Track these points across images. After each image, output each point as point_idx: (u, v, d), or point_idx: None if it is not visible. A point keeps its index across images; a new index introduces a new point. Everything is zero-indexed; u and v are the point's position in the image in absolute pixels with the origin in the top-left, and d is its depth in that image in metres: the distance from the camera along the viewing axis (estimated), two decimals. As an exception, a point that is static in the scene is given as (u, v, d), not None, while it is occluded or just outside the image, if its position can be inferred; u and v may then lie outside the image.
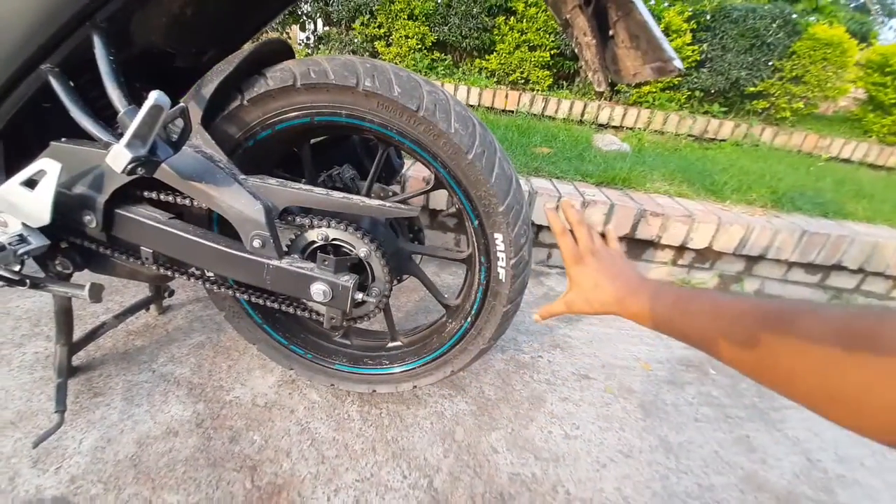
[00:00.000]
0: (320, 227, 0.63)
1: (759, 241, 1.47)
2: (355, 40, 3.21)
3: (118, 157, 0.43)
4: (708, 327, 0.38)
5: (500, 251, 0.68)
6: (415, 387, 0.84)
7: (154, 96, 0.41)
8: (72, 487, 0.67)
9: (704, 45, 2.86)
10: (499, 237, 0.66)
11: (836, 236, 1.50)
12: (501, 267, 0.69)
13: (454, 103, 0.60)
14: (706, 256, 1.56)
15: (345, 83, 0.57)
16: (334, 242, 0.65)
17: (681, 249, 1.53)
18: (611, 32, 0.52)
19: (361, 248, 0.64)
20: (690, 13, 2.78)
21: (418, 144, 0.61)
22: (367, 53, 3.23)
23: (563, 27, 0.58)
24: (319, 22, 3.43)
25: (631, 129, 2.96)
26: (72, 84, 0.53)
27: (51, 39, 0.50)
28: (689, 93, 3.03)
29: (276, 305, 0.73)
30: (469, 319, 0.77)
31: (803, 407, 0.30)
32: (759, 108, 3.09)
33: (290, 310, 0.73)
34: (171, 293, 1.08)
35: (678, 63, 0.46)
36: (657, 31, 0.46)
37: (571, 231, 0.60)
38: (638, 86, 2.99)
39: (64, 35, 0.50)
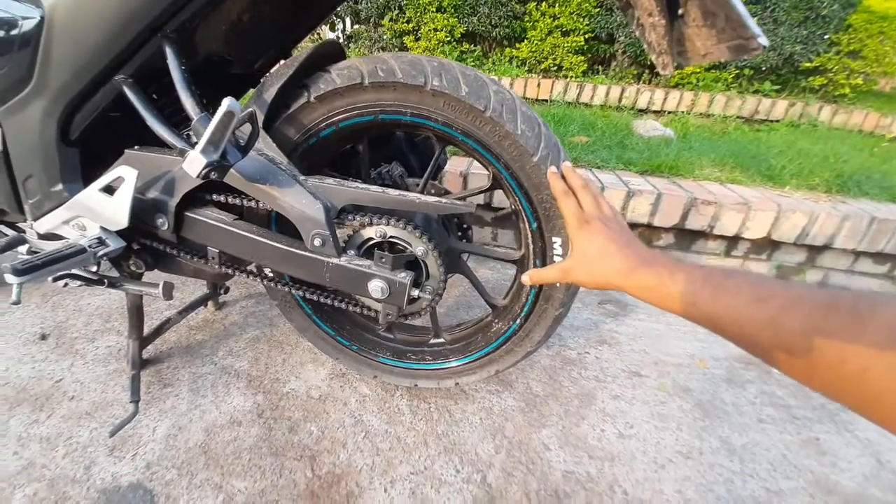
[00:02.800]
0: (379, 224, 0.63)
1: (823, 229, 1.36)
2: (384, 36, 3.22)
3: (194, 163, 0.45)
4: (749, 312, 0.32)
5: (558, 255, 0.67)
6: (457, 384, 0.85)
7: (227, 103, 0.43)
8: (147, 473, 0.71)
9: (755, 20, 2.66)
10: (557, 241, 0.66)
11: (909, 224, 1.37)
12: None
13: (520, 103, 0.59)
14: (762, 246, 1.47)
15: (413, 82, 0.57)
16: (390, 240, 0.65)
17: (734, 239, 1.45)
18: (680, 12, 0.49)
19: (418, 247, 0.64)
20: (739, -14, 2.60)
21: (481, 144, 0.61)
22: (397, 49, 3.23)
23: (622, 9, 0.55)
24: (348, 20, 3.46)
25: (673, 112, 2.81)
26: (147, 94, 0.55)
27: (124, 51, 0.53)
28: (737, 71, 2.84)
29: (329, 301, 0.74)
30: (518, 321, 0.76)
31: (870, 419, 0.26)
32: (816, 84, 2.86)
33: (344, 306, 0.74)
34: (227, 290, 1.13)
35: (763, 40, 0.42)
36: (740, 6, 0.42)
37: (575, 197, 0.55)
38: (682, 67, 2.83)
39: (137, 46, 0.52)
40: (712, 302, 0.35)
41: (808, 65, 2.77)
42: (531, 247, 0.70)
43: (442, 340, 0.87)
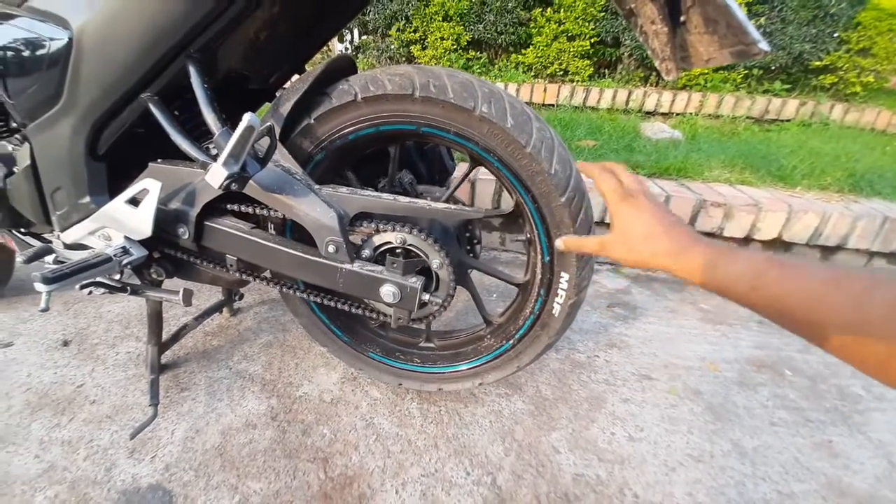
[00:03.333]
0: (400, 232, 0.65)
1: (836, 229, 1.35)
2: (392, 46, 3.27)
3: (216, 175, 0.47)
4: (826, 291, 0.29)
5: (563, 289, 0.70)
6: (440, 389, 0.87)
7: (247, 118, 0.45)
8: (166, 475, 0.74)
9: (762, 19, 2.66)
10: (565, 276, 0.69)
11: (926, 222, 1.35)
12: (559, 303, 0.72)
13: (558, 143, 0.61)
14: (774, 248, 1.45)
15: (463, 104, 0.59)
16: (407, 248, 0.67)
17: (745, 241, 1.44)
18: (682, 19, 0.50)
19: (435, 259, 0.66)
20: (745, -14, 2.59)
21: (515, 175, 0.63)
22: (404, 59, 3.28)
23: (626, 17, 0.56)
24: (356, 32, 3.52)
25: (681, 114, 2.80)
26: (171, 111, 0.58)
27: (151, 70, 0.56)
28: (746, 71, 2.83)
29: (339, 305, 0.76)
30: (511, 342, 0.79)
31: None
32: (827, 83, 2.83)
33: (356, 310, 0.76)
34: (241, 297, 1.16)
35: (764, 45, 0.43)
36: (740, 13, 0.44)
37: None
38: (687, 71, 2.82)
39: (163, 66, 0.55)
40: (780, 282, 0.32)
41: (817, 63, 2.75)
42: (538, 276, 0.73)
43: (432, 345, 0.89)
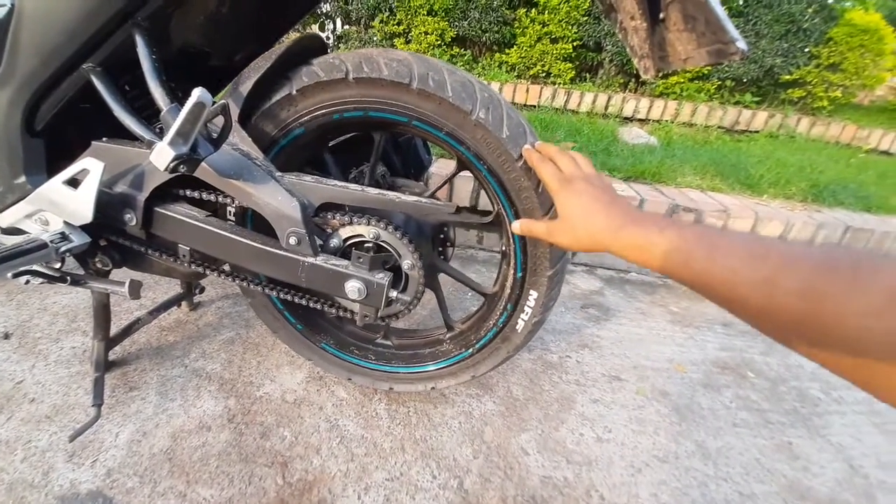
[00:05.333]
0: (374, 227, 0.62)
1: (799, 236, 1.40)
2: (374, 38, 3.21)
3: (161, 155, 0.43)
4: (744, 271, 0.30)
5: (530, 307, 0.70)
6: (391, 388, 0.85)
7: (197, 94, 0.41)
8: (108, 481, 0.68)
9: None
10: (534, 294, 0.69)
11: (880, 232, 1.42)
12: (524, 320, 0.72)
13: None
14: (741, 254, 1.50)
15: (460, 105, 0.56)
16: (378, 244, 0.64)
17: (714, 246, 1.48)
18: (661, 16, 0.49)
19: (406, 260, 0.64)
20: (721, -1, 2.67)
21: (501, 187, 0.62)
22: (387, 49, 3.22)
23: (605, 12, 0.55)
24: (338, 21, 3.44)
25: (657, 121, 2.86)
26: (114, 83, 0.53)
27: (92, 38, 0.51)
28: (720, 82, 2.92)
29: (304, 302, 0.72)
30: (470, 351, 0.78)
31: (863, 388, 0.26)
32: (795, 97, 2.96)
33: (320, 306, 0.73)
34: (202, 290, 1.10)
35: (742, 44, 0.42)
36: (720, 10, 0.43)
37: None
38: (665, 76, 2.89)
39: (106, 34, 0.50)
40: (705, 261, 0.33)
41: (787, 77, 2.86)
42: (507, 290, 0.73)
43: (389, 343, 0.87)
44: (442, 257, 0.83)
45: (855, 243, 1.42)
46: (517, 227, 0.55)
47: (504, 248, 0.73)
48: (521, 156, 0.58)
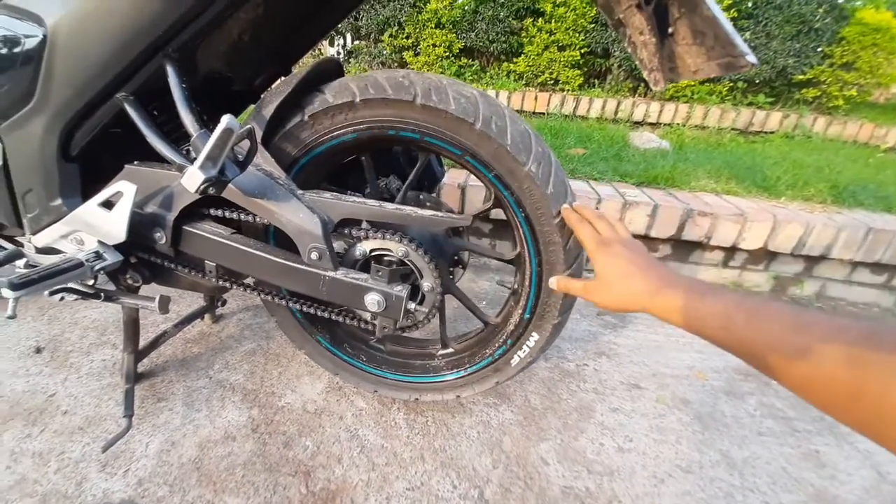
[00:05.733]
0: (406, 246, 0.64)
1: (819, 239, 1.37)
2: (384, 52, 3.27)
3: (193, 178, 0.45)
4: (787, 339, 0.31)
5: (529, 346, 0.74)
6: (376, 391, 0.87)
7: (225, 120, 0.43)
8: (139, 490, 0.70)
9: (747, 34, 2.72)
10: (536, 337, 0.73)
11: (906, 233, 1.38)
12: (520, 356, 0.76)
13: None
14: (759, 257, 1.47)
15: (516, 156, 0.59)
16: (405, 262, 0.66)
17: (731, 250, 1.46)
18: (670, 30, 0.50)
19: (427, 281, 0.66)
20: (731, 0, 2.66)
21: (532, 234, 0.65)
22: (396, 64, 3.28)
23: (614, 27, 0.56)
24: (348, 36, 3.52)
25: (669, 125, 2.85)
26: (147, 111, 0.56)
27: (126, 69, 0.54)
28: (731, 84, 2.89)
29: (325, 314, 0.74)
30: (461, 373, 0.81)
31: None
32: (810, 96, 2.90)
33: (340, 318, 0.74)
34: (224, 303, 1.13)
35: (752, 58, 0.43)
36: (728, 25, 0.43)
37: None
38: (675, 82, 2.87)
39: (139, 65, 0.53)
40: (746, 326, 0.34)
41: (801, 77, 2.82)
42: (510, 326, 0.77)
43: (382, 348, 0.88)
44: (451, 277, 0.85)
45: (877, 245, 1.38)
46: (554, 283, 0.59)
47: (516, 287, 0.77)
48: (559, 213, 0.61)
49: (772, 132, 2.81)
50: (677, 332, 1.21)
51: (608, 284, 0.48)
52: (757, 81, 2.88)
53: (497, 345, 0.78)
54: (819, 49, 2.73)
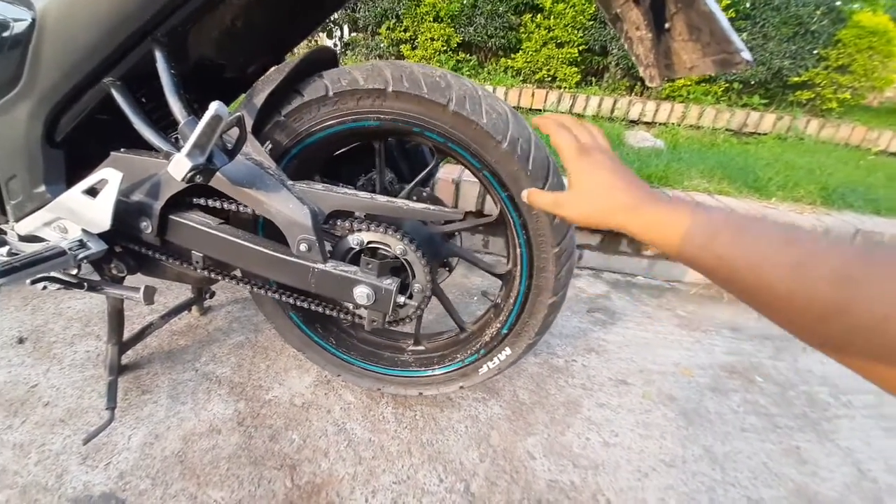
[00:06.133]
0: (403, 244, 0.63)
1: (807, 241, 1.38)
2: (381, 45, 3.24)
3: (179, 166, 0.44)
4: (773, 255, 0.29)
5: (500, 359, 0.77)
6: (339, 376, 0.88)
7: (214, 107, 0.42)
8: (120, 483, 0.70)
9: (744, 35, 2.73)
10: (508, 352, 0.76)
11: (891, 235, 1.40)
12: (488, 367, 0.79)
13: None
14: (748, 257, 1.49)
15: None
16: (402, 260, 0.66)
17: (721, 250, 1.47)
18: (666, 26, 0.50)
19: (418, 283, 0.66)
20: (729, 1, 2.66)
21: (528, 246, 0.67)
22: (393, 57, 3.25)
23: (611, 22, 0.56)
24: (346, 28, 3.48)
25: (664, 124, 2.85)
26: (135, 97, 0.55)
27: (114, 53, 0.53)
28: (727, 85, 2.90)
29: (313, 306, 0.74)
30: (428, 372, 0.83)
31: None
32: (804, 98, 2.93)
33: (329, 312, 0.74)
34: (212, 295, 1.12)
35: (747, 55, 0.43)
36: (724, 21, 0.43)
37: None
38: (671, 80, 2.88)
39: (126, 49, 0.52)
40: (731, 245, 0.31)
41: (796, 79, 2.84)
42: (486, 337, 0.79)
43: (353, 334, 0.89)
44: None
45: (865, 247, 1.40)
46: (525, 194, 0.50)
47: (499, 302, 0.78)
48: (559, 242, 0.65)
49: (765, 134, 2.83)
50: (665, 329, 1.23)
51: (586, 195, 0.42)
52: (752, 83, 2.89)
53: (469, 352, 0.80)
54: (815, 51, 2.75)
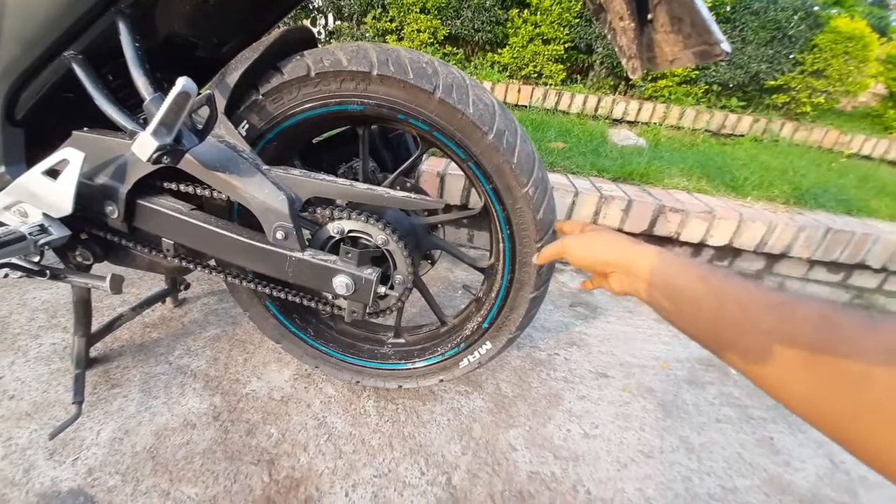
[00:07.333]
0: (385, 234, 0.62)
1: (781, 238, 1.43)
2: (367, 35, 3.19)
3: (144, 146, 0.42)
4: (760, 294, 0.32)
5: (480, 353, 0.77)
6: (317, 367, 0.87)
7: (181, 83, 0.40)
8: (89, 479, 0.67)
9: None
10: (489, 346, 0.76)
11: (860, 234, 1.46)
12: (469, 360, 0.79)
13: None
14: (725, 254, 1.53)
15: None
16: (383, 250, 0.65)
17: (699, 246, 1.50)
18: (649, 16, 0.50)
19: (399, 275, 0.65)
20: (710, 4, 2.71)
21: (511, 241, 0.66)
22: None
23: (594, 13, 0.56)
24: (330, 16, 3.41)
25: (646, 123, 2.90)
26: (96, 72, 0.52)
27: (74, 25, 0.50)
28: (707, 87, 2.97)
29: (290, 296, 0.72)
30: (407, 365, 0.83)
31: (850, 446, 0.26)
32: (779, 102, 3.02)
33: (308, 302, 0.72)
34: (187, 286, 1.08)
35: (726, 46, 0.43)
36: (705, 11, 0.43)
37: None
38: (654, 80, 2.93)
39: (88, 21, 0.49)
40: (713, 301, 0.35)
41: (772, 83, 2.92)
42: (467, 331, 0.79)
43: (332, 325, 0.88)
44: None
45: (834, 245, 1.45)
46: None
47: (480, 296, 0.78)
48: (540, 239, 0.64)
49: (742, 135, 2.91)
50: (645, 323, 1.25)
51: (590, 243, 0.50)
52: (731, 85, 2.97)
53: (450, 346, 0.79)
54: (791, 56, 2.83)
